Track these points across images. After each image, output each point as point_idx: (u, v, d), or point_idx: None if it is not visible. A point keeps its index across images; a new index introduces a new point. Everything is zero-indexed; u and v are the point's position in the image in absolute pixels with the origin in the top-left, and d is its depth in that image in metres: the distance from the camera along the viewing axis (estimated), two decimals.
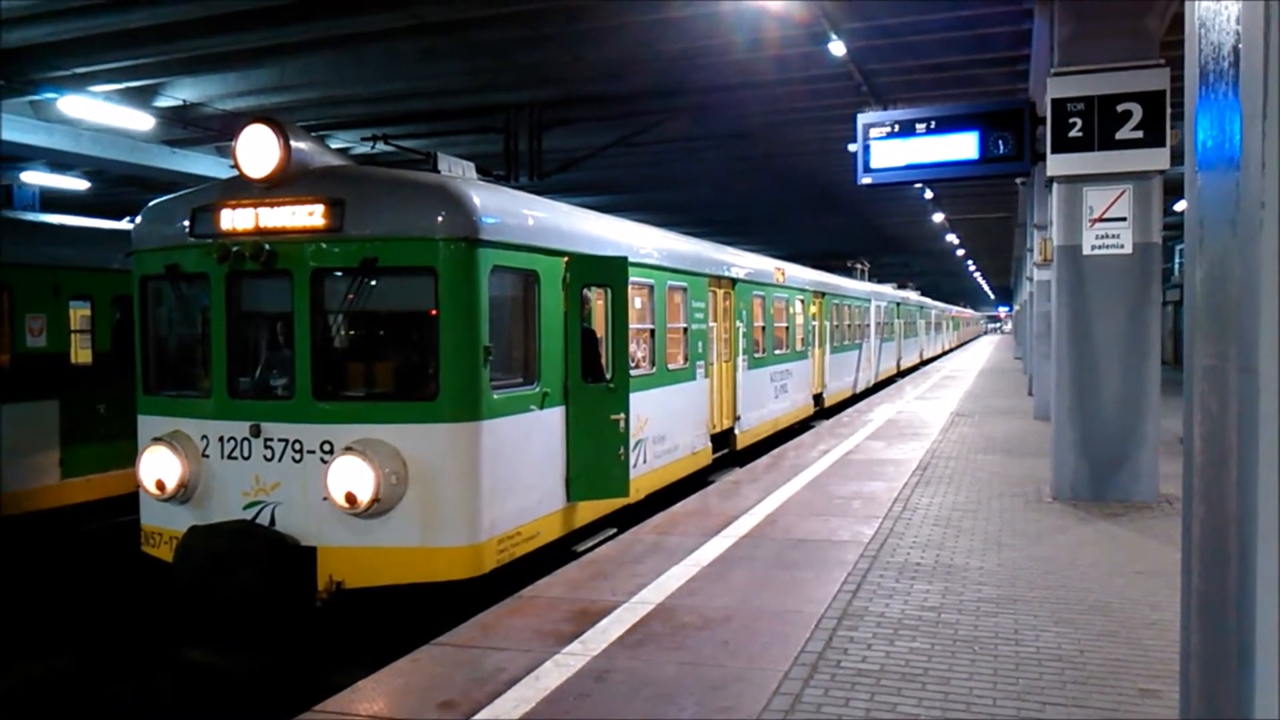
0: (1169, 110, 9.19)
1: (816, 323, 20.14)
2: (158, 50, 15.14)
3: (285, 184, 7.15)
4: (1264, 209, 2.12)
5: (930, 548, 8.01)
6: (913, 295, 41.37)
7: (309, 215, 7.06)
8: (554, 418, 8.22)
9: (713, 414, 12.88)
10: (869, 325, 27.11)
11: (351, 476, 6.72)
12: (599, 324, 9.16)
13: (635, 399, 9.44)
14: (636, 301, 10.38)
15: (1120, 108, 9.25)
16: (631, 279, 9.64)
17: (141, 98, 17.79)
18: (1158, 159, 9.26)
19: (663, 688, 5.07)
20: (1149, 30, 9.64)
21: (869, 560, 7.60)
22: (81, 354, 11.80)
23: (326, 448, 6.93)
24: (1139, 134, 9.22)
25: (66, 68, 15.85)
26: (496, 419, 7.28)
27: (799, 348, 18.24)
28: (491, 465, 7.19)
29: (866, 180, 10.95)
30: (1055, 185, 9.91)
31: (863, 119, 10.94)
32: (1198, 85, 2.71)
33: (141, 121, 18.02)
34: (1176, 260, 38.60)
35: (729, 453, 13.61)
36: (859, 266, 29.71)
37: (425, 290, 7.04)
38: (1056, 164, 9.54)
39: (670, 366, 11.26)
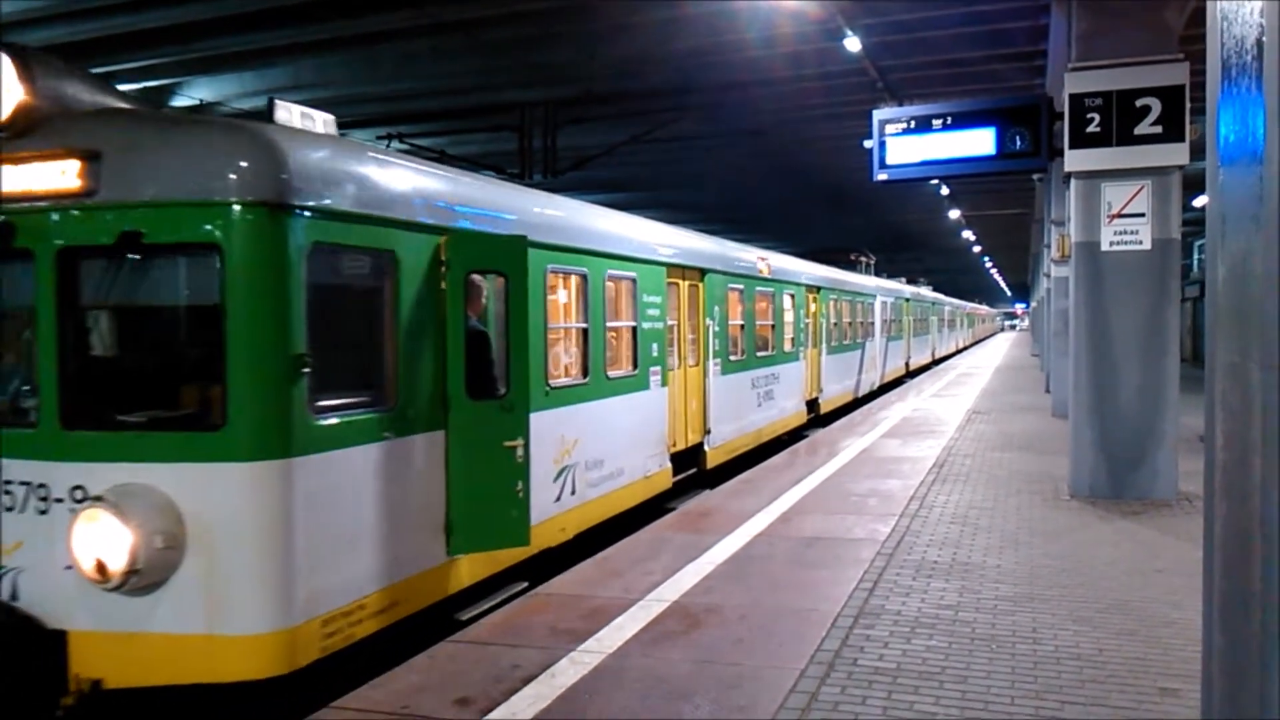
0: (1188, 105, 9.12)
1: (811, 320, 18.31)
2: (174, 50, 15.28)
3: (30, 133, 5.41)
4: None
5: (947, 546, 7.97)
6: (925, 291, 41.04)
7: (60, 175, 5.30)
8: (423, 446, 6.34)
9: (674, 428, 11.03)
10: (874, 323, 25.22)
11: (100, 537, 4.96)
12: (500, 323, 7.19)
13: (561, 415, 8.06)
14: (562, 295, 8.72)
15: (1139, 103, 9.19)
16: (556, 266, 8.14)
17: (158, 97, 17.92)
18: (1177, 154, 9.19)
19: (678, 685, 5.07)
20: (1167, 24, 9.56)
21: (885, 558, 7.58)
22: None
23: (78, 495, 5.17)
24: (1158, 129, 9.15)
25: (83, 68, 15.96)
26: (318, 454, 5.45)
27: (789, 349, 16.43)
28: (310, 519, 5.38)
29: (882, 176, 10.93)
30: (1073, 181, 9.85)
31: (879, 115, 10.91)
32: (1220, 79, 2.68)
33: None
34: (1196, 256, 38.39)
35: (697, 473, 11.91)
36: (863, 260, 28.15)
37: (207, 276, 5.25)
38: (1074, 159, 9.48)
39: (611, 374, 9.36)
